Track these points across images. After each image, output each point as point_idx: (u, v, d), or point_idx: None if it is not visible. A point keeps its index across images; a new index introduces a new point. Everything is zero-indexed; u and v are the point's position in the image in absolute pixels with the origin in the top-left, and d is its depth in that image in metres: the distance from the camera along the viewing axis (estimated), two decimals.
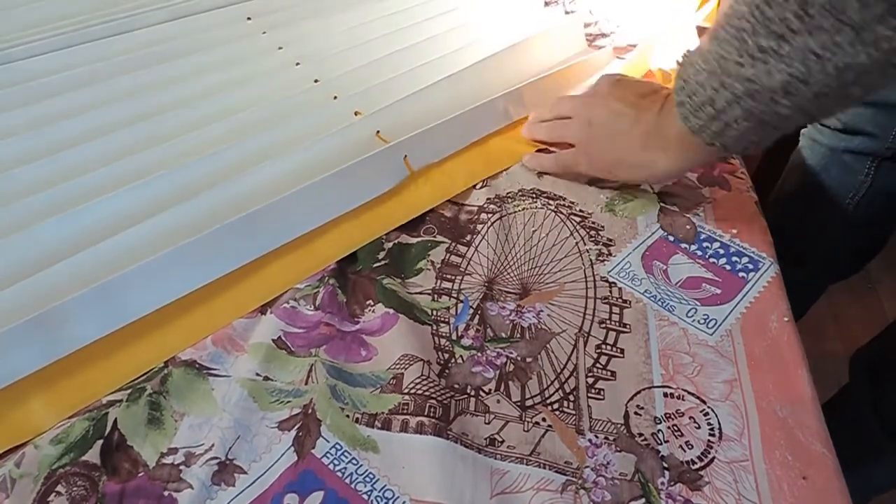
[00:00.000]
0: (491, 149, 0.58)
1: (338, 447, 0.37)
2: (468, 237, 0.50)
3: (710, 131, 0.42)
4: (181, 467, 0.35)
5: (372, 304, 0.45)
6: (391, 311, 0.44)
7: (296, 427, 0.38)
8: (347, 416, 0.38)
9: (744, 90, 0.38)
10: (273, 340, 0.42)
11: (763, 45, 0.36)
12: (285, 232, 0.47)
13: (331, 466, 0.36)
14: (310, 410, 0.38)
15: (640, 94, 0.51)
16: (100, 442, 0.36)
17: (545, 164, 0.56)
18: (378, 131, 0.53)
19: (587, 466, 0.37)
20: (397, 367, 0.41)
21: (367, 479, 0.36)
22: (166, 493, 0.34)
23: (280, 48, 0.62)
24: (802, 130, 0.84)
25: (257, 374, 0.40)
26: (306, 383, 0.40)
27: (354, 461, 0.36)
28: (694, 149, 0.45)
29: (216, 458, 0.36)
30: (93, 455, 0.36)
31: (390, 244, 0.49)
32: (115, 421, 0.37)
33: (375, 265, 0.47)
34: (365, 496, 0.35)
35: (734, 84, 0.38)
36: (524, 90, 0.60)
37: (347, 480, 0.35)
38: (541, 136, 0.57)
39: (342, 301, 0.45)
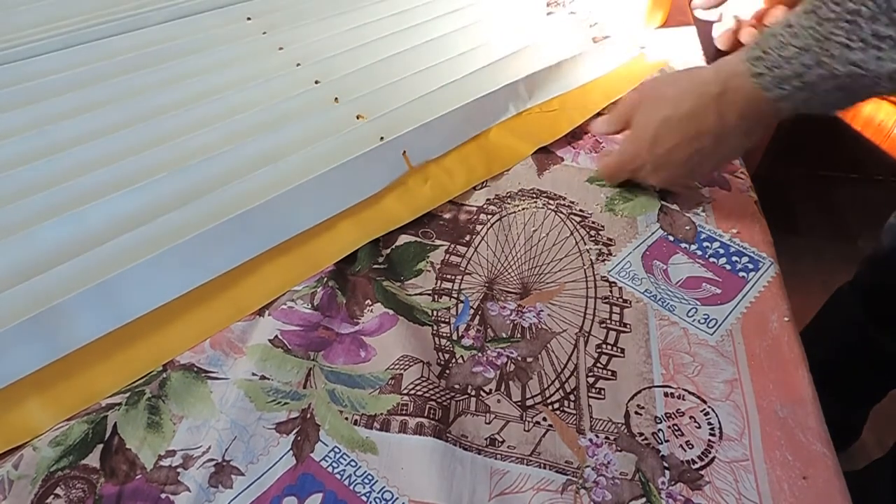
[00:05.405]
0: (491, 147, 0.57)
1: (336, 450, 0.37)
2: (468, 237, 0.50)
3: (794, 100, 0.42)
4: (179, 469, 0.35)
5: (371, 303, 0.45)
6: (390, 311, 0.44)
7: (294, 431, 0.37)
8: (346, 418, 0.38)
9: (846, 72, 0.38)
10: (269, 340, 0.42)
11: (881, 33, 0.36)
12: (283, 229, 0.47)
13: (329, 469, 0.36)
14: (308, 415, 0.38)
15: (698, 80, 0.48)
16: (100, 446, 0.36)
17: (607, 161, 0.53)
18: (382, 137, 0.53)
19: (588, 466, 0.37)
20: (396, 367, 0.41)
21: (366, 480, 0.35)
22: (163, 496, 0.34)
23: (280, 48, 0.62)
24: None
25: (254, 374, 0.40)
26: (304, 386, 0.40)
27: (353, 463, 0.36)
28: (767, 115, 0.44)
29: (213, 459, 0.36)
30: (92, 459, 0.35)
31: (388, 249, 0.49)
32: (115, 425, 0.37)
33: (374, 266, 0.47)
34: (364, 497, 0.35)
35: (835, 65, 0.38)
36: (524, 82, 0.60)
37: (346, 482, 0.35)
38: (611, 127, 0.55)
39: (341, 302, 0.45)
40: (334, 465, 0.36)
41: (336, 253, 0.47)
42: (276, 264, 0.46)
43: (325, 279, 0.46)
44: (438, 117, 0.55)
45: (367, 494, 0.35)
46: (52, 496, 0.34)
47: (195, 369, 0.40)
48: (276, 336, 0.42)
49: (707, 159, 0.49)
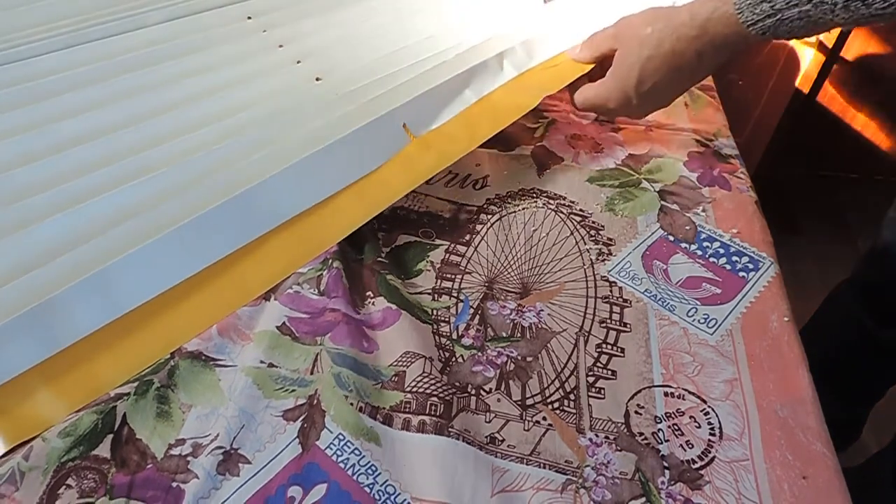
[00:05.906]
0: (495, 104, 0.56)
1: (341, 437, 0.37)
2: (468, 237, 0.50)
3: (762, 25, 0.44)
4: (188, 458, 0.36)
5: (372, 296, 0.45)
6: (393, 306, 0.44)
7: (301, 418, 0.38)
8: (351, 403, 0.38)
9: None
10: (277, 327, 0.42)
11: None
12: (284, 209, 0.46)
13: (334, 457, 0.36)
14: (315, 401, 0.38)
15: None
16: (110, 436, 0.36)
17: (588, 94, 0.55)
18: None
19: (587, 465, 0.37)
20: (399, 364, 0.41)
21: (370, 471, 0.36)
22: (174, 485, 0.35)
23: (280, 46, 0.62)
24: None
25: (262, 362, 0.40)
26: (311, 373, 0.40)
27: (357, 451, 0.36)
28: (740, 45, 0.48)
29: (221, 447, 0.36)
30: (102, 449, 0.36)
31: (388, 248, 0.49)
32: (125, 416, 0.37)
33: (378, 259, 0.47)
34: (367, 489, 0.35)
35: None
36: (521, 46, 0.60)
37: (350, 472, 0.35)
38: (586, 55, 0.57)
39: (346, 284, 0.44)
40: (339, 452, 0.36)
41: (341, 229, 0.47)
42: (279, 245, 0.45)
43: (330, 260, 0.45)
44: (437, 86, 0.54)
45: (371, 486, 0.35)
46: (65, 487, 0.34)
47: (203, 357, 0.40)
48: (284, 323, 0.42)
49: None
